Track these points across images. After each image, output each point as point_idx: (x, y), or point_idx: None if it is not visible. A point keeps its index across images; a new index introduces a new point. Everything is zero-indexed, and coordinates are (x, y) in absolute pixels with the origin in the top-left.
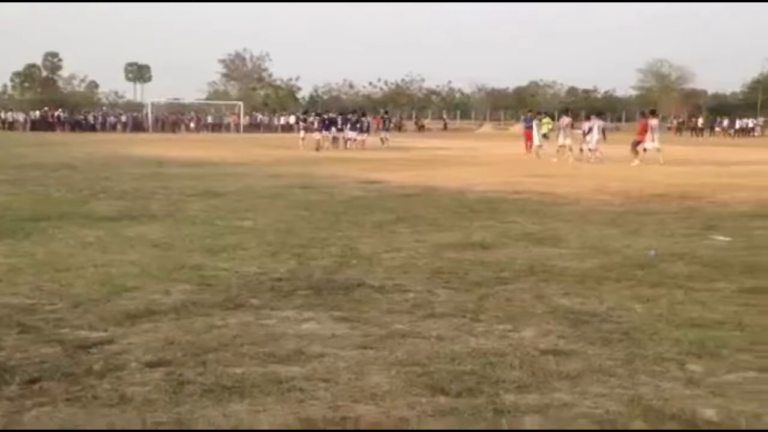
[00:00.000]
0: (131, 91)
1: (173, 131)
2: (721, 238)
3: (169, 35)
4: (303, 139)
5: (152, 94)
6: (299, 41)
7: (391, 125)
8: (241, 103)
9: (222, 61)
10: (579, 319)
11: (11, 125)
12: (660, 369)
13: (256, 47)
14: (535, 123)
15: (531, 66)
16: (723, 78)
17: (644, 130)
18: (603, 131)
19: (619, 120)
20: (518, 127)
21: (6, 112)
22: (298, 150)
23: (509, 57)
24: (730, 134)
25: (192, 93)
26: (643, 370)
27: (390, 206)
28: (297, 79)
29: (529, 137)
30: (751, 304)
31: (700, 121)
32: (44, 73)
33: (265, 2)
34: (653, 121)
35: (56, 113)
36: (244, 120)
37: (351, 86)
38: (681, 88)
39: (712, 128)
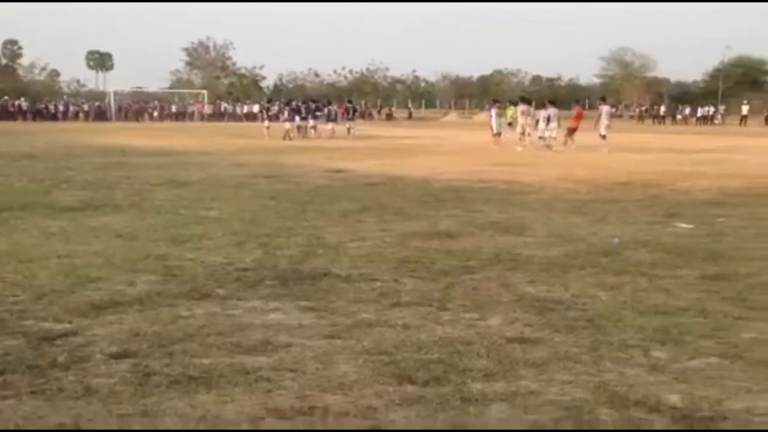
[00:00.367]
0: (93, 80)
1: (137, 120)
2: (684, 225)
3: (131, 22)
4: (268, 128)
5: (115, 83)
6: (263, 29)
7: (356, 114)
8: (205, 91)
9: (185, 49)
10: (545, 307)
11: None
12: (624, 356)
13: (220, 35)
14: (493, 111)
15: (495, 55)
16: (685, 67)
17: (579, 118)
18: (558, 119)
19: (583, 108)
20: (483, 116)
21: None
22: (264, 139)
23: (473, 46)
24: (691, 122)
25: (155, 81)
26: (608, 357)
27: (356, 195)
28: (261, 67)
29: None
30: (714, 291)
31: (662, 109)
32: (3, 62)
33: None
34: (605, 108)
35: (17, 102)
36: (207, 109)
37: (316, 75)
38: (644, 76)
39: (674, 116)
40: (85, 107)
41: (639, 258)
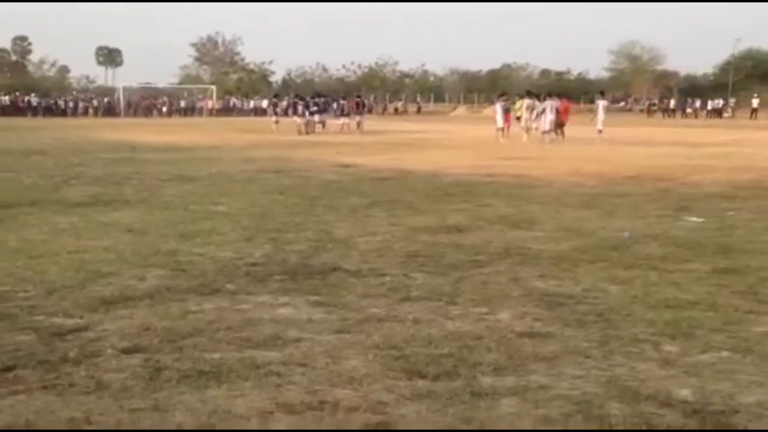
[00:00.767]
0: (102, 76)
1: (146, 116)
2: (694, 219)
3: (141, 18)
4: (276, 122)
5: (124, 79)
6: (271, 24)
7: (365, 109)
8: (213, 87)
9: (194, 44)
10: (554, 301)
11: None
12: (635, 350)
13: (229, 31)
14: (498, 105)
15: (504, 49)
16: (694, 60)
17: (567, 112)
18: (555, 112)
19: (592, 102)
20: (491, 110)
21: None
22: (272, 134)
23: (482, 40)
24: (701, 115)
25: (164, 77)
26: (618, 351)
27: (365, 190)
28: (270, 62)
29: (507, 120)
30: (724, 285)
31: (672, 102)
32: (14, 58)
33: None
34: (603, 102)
35: (27, 98)
36: (216, 104)
37: (324, 69)
38: (653, 69)
39: (683, 110)
40: (95, 103)
41: (649, 252)
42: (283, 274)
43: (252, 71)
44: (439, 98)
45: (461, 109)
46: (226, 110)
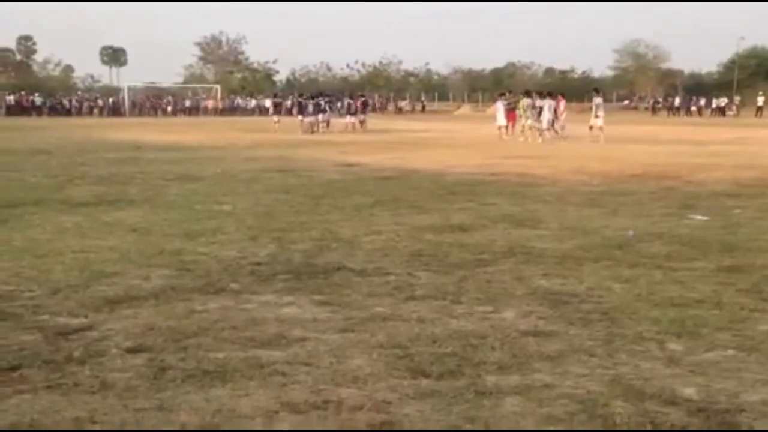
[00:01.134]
0: (107, 75)
1: (150, 115)
2: (699, 217)
3: (145, 17)
4: (277, 122)
5: (128, 78)
6: (275, 24)
7: (369, 108)
8: (218, 86)
9: (198, 44)
10: (559, 300)
11: None
12: (640, 348)
13: (233, 30)
14: (499, 104)
15: (508, 47)
16: (698, 58)
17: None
18: (555, 111)
19: None
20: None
21: None
22: (275, 133)
23: (486, 38)
24: (706, 114)
25: (169, 77)
26: (623, 350)
27: (369, 189)
28: (274, 62)
29: (511, 118)
30: (729, 283)
31: (677, 100)
32: (18, 58)
33: None
34: (598, 100)
35: (31, 98)
36: (220, 103)
37: (328, 68)
38: (657, 67)
39: (688, 108)
40: (99, 102)
41: (654, 250)
42: (287, 274)
43: (256, 70)
44: (443, 97)
45: (465, 108)
46: (230, 109)
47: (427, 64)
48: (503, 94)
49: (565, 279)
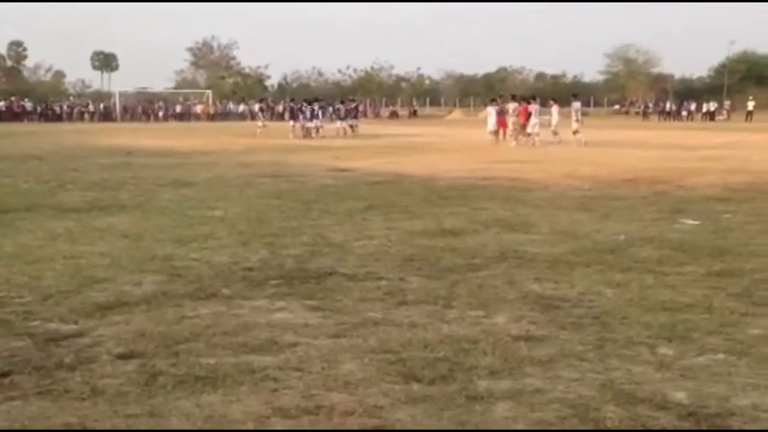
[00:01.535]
0: (98, 80)
1: (142, 120)
2: (690, 222)
3: (136, 22)
4: (264, 126)
5: (120, 83)
6: (267, 29)
7: (359, 112)
8: (209, 91)
9: (190, 49)
10: (550, 305)
11: None
12: (631, 353)
13: (224, 35)
14: (491, 109)
15: (499, 52)
16: (689, 63)
17: (525, 114)
18: (539, 115)
19: (588, 105)
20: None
21: None
22: (260, 138)
23: (478, 43)
24: (697, 118)
25: (160, 82)
26: (614, 354)
27: (361, 194)
28: (266, 67)
29: (502, 123)
30: (720, 287)
31: (668, 105)
32: (9, 63)
33: None
34: (576, 104)
35: (22, 103)
36: (209, 108)
37: (320, 73)
38: (648, 72)
39: (679, 112)
40: (91, 108)
41: (645, 255)
42: (279, 279)
43: (248, 75)
44: (434, 102)
45: (457, 113)
46: (222, 115)
47: (418, 68)
48: (494, 100)
49: (556, 283)
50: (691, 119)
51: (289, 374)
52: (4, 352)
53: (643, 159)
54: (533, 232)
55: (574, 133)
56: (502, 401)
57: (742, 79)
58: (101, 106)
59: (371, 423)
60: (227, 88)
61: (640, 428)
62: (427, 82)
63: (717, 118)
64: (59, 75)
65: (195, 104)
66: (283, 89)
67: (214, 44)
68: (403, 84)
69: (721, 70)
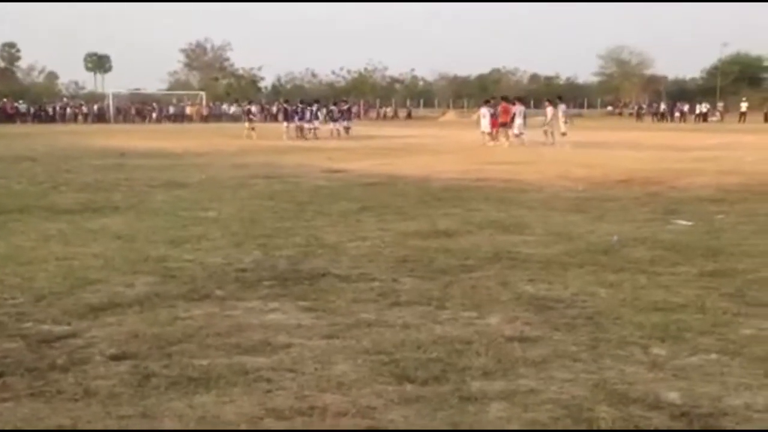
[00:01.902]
0: (92, 82)
1: (135, 122)
2: (683, 222)
3: (130, 24)
4: (253, 129)
5: (113, 85)
6: (261, 30)
7: (352, 114)
8: (203, 93)
9: (183, 50)
10: (544, 305)
11: None
12: (624, 353)
13: (218, 36)
14: (484, 109)
15: (493, 53)
16: (682, 64)
17: (507, 113)
18: (524, 116)
19: (581, 106)
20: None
21: None
22: (263, 140)
23: (471, 45)
24: (690, 119)
25: (154, 83)
26: (607, 355)
27: (355, 195)
28: (259, 68)
29: (495, 124)
30: (713, 288)
31: (662, 106)
32: (2, 64)
33: None
34: (562, 106)
35: (16, 105)
36: (205, 110)
37: (314, 75)
38: (642, 74)
39: (672, 114)
40: (84, 109)
41: (638, 255)
42: (272, 280)
43: (241, 77)
44: (428, 103)
45: (451, 114)
46: (216, 116)
47: (412, 70)
48: (488, 101)
49: (550, 284)
50: (684, 120)
51: (282, 375)
52: None
53: (636, 160)
54: (527, 233)
55: (563, 134)
56: (495, 402)
57: (735, 81)
58: (95, 107)
59: (364, 423)
60: (221, 89)
61: (633, 428)
62: (420, 83)
63: (710, 119)
64: (52, 76)
65: (187, 105)
66: (277, 90)
67: (208, 46)
68: (397, 85)
69: (714, 71)
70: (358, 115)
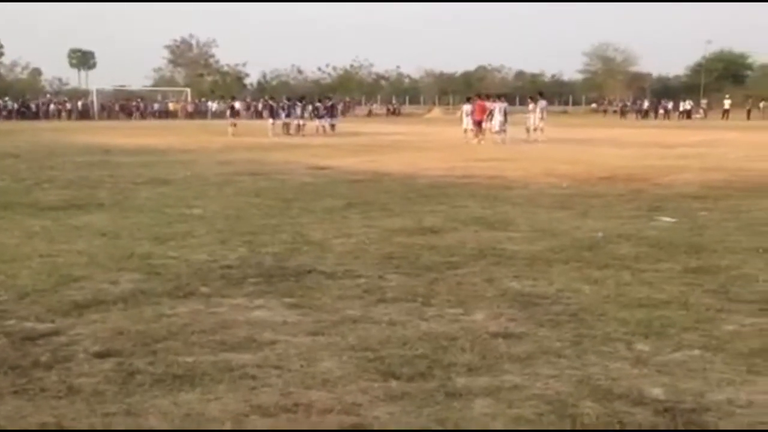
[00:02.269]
0: (76, 78)
1: (119, 118)
2: (667, 219)
3: (114, 20)
4: (234, 125)
5: (97, 81)
6: (246, 27)
7: (337, 111)
8: (188, 89)
9: (168, 47)
10: (529, 302)
11: None
12: (608, 349)
13: (203, 33)
14: (467, 107)
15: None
16: (667, 62)
17: (482, 111)
18: (505, 114)
19: (566, 104)
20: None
21: None
22: (249, 137)
23: (457, 42)
24: (674, 117)
25: (138, 80)
26: (591, 351)
27: (341, 192)
28: (244, 64)
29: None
30: (696, 284)
31: (646, 103)
32: None
33: None
34: (542, 102)
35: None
36: (190, 107)
37: (299, 71)
38: (626, 71)
39: (656, 111)
40: (68, 106)
41: (622, 252)
42: (258, 277)
43: (226, 73)
44: (414, 100)
45: (436, 111)
46: (201, 113)
47: (398, 67)
48: (470, 99)
49: (535, 281)
50: (668, 118)
51: (267, 372)
52: None
53: (620, 157)
54: (512, 229)
55: (538, 130)
56: (480, 398)
57: (719, 78)
58: (78, 104)
59: (350, 420)
60: (206, 86)
61: (617, 424)
62: (406, 80)
63: (694, 116)
64: (36, 73)
65: (176, 102)
66: (262, 87)
67: (193, 42)
68: (383, 82)
69: (698, 69)
70: (342, 113)
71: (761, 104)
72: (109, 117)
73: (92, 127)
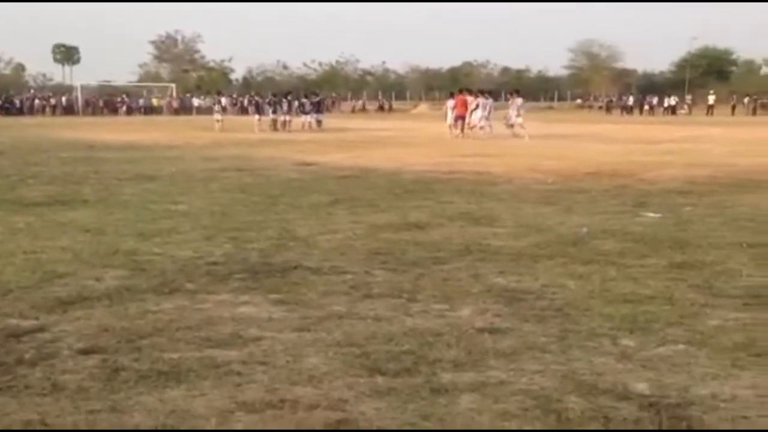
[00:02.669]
0: (59, 74)
1: (104, 114)
2: (652, 214)
3: (98, 15)
4: (220, 121)
5: (82, 77)
6: (231, 22)
7: (324, 107)
8: (173, 85)
9: (153, 42)
10: (514, 297)
11: None
12: (593, 344)
13: (188, 28)
14: (450, 102)
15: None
16: (652, 58)
17: (464, 106)
18: (490, 110)
19: (552, 99)
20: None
21: None
22: (235, 133)
23: (443, 37)
24: (659, 113)
25: (123, 75)
26: (576, 346)
27: (327, 188)
28: (230, 60)
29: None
30: (681, 279)
31: (631, 99)
32: None
33: None
34: (518, 100)
35: None
36: (175, 102)
37: (285, 67)
38: (611, 67)
39: (641, 107)
40: (52, 101)
41: (607, 247)
42: (243, 273)
43: (212, 69)
44: (400, 96)
45: (423, 107)
46: (186, 109)
47: (384, 62)
48: (453, 94)
49: (520, 276)
50: (653, 113)
51: (253, 368)
52: None
53: (605, 153)
54: (497, 225)
55: (512, 126)
56: (466, 393)
57: (703, 74)
58: (63, 99)
59: (335, 416)
60: (191, 81)
61: (602, 419)
62: (392, 76)
63: (679, 112)
64: (19, 68)
65: (154, 97)
66: (248, 83)
67: (178, 38)
68: (369, 78)
69: (683, 65)
70: (328, 109)
71: (745, 100)
72: (94, 113)
73: (77, 123)
